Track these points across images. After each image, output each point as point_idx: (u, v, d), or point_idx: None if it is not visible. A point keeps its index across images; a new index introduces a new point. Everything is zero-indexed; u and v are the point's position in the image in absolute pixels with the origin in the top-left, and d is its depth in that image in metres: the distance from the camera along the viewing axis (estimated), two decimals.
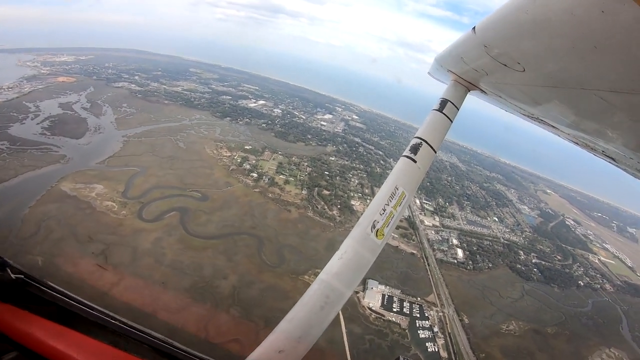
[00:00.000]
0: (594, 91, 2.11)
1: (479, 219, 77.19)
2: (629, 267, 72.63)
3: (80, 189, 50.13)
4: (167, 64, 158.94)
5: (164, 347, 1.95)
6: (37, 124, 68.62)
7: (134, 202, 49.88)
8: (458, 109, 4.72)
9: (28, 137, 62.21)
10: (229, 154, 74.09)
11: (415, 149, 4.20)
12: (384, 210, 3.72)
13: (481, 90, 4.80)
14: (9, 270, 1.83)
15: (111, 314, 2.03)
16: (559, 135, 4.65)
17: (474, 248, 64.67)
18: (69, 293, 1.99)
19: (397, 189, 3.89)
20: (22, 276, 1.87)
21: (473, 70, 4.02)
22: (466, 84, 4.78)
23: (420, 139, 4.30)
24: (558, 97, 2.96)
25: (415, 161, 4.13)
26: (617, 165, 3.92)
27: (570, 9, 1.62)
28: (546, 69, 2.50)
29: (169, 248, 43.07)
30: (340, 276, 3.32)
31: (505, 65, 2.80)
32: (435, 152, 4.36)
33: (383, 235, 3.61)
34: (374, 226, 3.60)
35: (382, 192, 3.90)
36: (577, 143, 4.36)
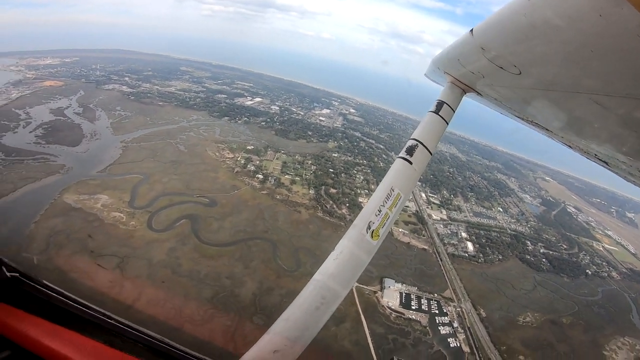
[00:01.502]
0: (589, 95, 2.12)
1: (484, 210, 77.44)
2: (632, 254, 73.70)
3: (85, 200, 47.90)
4: (156, 64, 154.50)
5: (160, 347, 1.88)
6: (30, 132, 65.35)
7: (142, 212, 47.98)
8: (454, 111, 4.75)
9: (23, 147, 59.02)
10: (231, 155, 72.38)
11: (411, 151, 4.23)
12: (380, 211, 3.74)
13: (477, 92, 4.82)
14: (4, 269, 1.78)
15: (107, 312, 1.95)
16: (553, 138, 4.61)
17: (483, 240, 64.81)
18: (64, 292, 1.90)
19: (393, 190, 3.92)
20: (18, 274, 1.81)
21: (470, 72, 4.04)
22: (462, 86, 4.80)
23: (417, 140, 4.33)
24: (553, 100, 2.99)
25: (411, 162, 4.16)
26: (609, 169, 3.92)
27: (568, 13, 1.62)
28: (542, 72, 2.54)
29: (185, 258, 41.60)
30: (336, 277, 3.33)
31: (502, 68, 2.81)
32: (431, 154, 4.40)
33: (378, 236, 3.64)
34: (369, 227, 3.61)
35: (378, 193, 3.93)
36: (570, 146, 4.35)
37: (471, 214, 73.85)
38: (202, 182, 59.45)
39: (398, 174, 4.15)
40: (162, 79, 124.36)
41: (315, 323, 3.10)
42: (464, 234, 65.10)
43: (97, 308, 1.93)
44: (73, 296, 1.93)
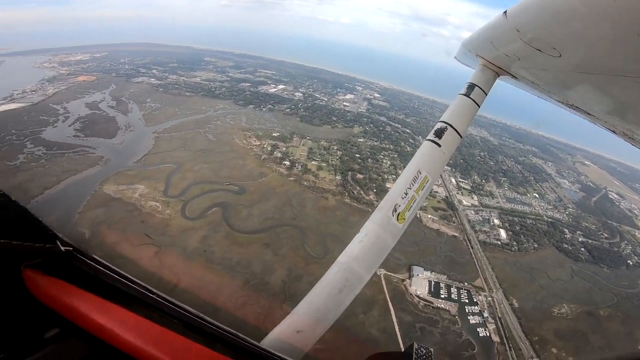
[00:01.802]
0: (637, 78, 2.07)
1: (518, 195, 74.13)
2: None
3: (124, 190, 50.26)
4: (180, 55, 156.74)
5: (195, 321, 1.91)
6: (69, 126, 68.71)
7: (175, 201, 49.83)
8: (486, 94, 4.65)
9: (63, 141, 62.25)
10: (258, 142, 73.33)
11: (439, 133, 4.15)
12: (406, 194, 3.69)
13: (512, 75, 4.72)
14: (58, 243, 1.77)
15: (148, 286, 1.98)
16: (595, 123, 4.41)
17: (517, 228, 62.17)
18: (112, 267, 1.94)
19: (420, 173, 3.86)
20: (71, 249, 1.83)
21: (504, 55, 3.96)
22: (496, 69, 4.71)
23: (446, 123, 4.24)
24: (596, 84, 2.89)
25: (439, 145, 4.08)
26: None
27: None
28: (585, 55, 2.44)
29: (217, 246, 43.05)
30: (360, 260, 3.33)
31: (540, 50, 2.72)
32: (461, 137, 4.32)
33: (404, 219, 3.59)
34: (395, 210, 3.56)
35: (405, 176, 3.90)
36: (614, 131, 4.15)
37: (504, 200, 70.97)
38: (231, 170, 60.78)
39: (426, 156, 4.11)
40: (187, 70, 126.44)
41: (338, 305, 3.13)
42: (496, 221, 62.80)
43: (141, 283, 1.97)
44: (120, 271, 1.98)
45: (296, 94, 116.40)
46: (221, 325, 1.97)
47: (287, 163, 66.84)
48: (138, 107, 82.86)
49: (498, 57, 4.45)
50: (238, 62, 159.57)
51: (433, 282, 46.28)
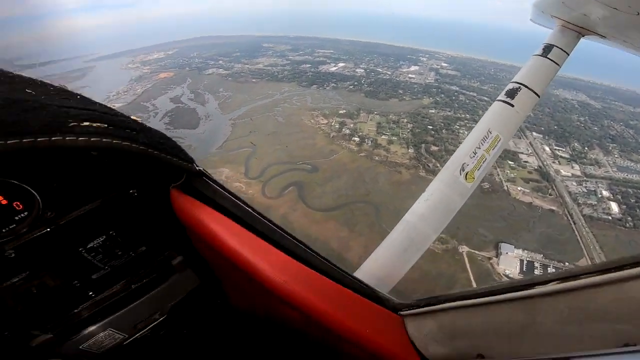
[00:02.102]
0: None
1: (632, 164, 62.41)
2: None
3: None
4: (241, 44, 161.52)
5: (298, 248, 1.97)
6: (160, 120, 76.19)
7: (256, 182, 52.95)
8: (568, 54, 4.51)
9: None
10: (325, 121, 73.55)
11: (512, 94, 4.21)
12: (475, 153, 3.63)
13: (599, 34, 4.47)
14: (195, 164, 1.87)
15: (259, 211, 2.07)
16: None
17: (632, 200, 52.48)
18: (231, 190, 2.03)
19: (490, 132, 3.80)
20: (202, 169, 1.95)
21: (582, 15, 3.88)
22: (577, 29, 4.52)
23: (519, 83, 4.34)
24: None
25: (512, 105, 4.12)
26: None
27: None
28: None
29: (297, 223, 44.60)
30: (426, 218, 3.34)
31: (616, 8, 2.59)
32: (539, 97, 4.34)
33: (473, 178, 3.52)
34: (462, 169, 3.51)
35: (473, 136, 3.90)
36: None
37: (614, 169, 60.39)
38: (303, 150, 62.19)
39: (497, 115, 4.10)
40: (249, 58, 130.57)
41: (403, 264, 3.11)
42: (605, 193, 53.81)
43: (254, 207, 1.96)
44: (239, 195, 1.96)
45: (357, 70, 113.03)
46: (321, 254, 2.02)
47: (357, 139, 65.86)
48: (213, 97, 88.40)
49: (576, 17, 4.23)
50: (295, 44, 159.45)
51: (525, 261, 42.04)
